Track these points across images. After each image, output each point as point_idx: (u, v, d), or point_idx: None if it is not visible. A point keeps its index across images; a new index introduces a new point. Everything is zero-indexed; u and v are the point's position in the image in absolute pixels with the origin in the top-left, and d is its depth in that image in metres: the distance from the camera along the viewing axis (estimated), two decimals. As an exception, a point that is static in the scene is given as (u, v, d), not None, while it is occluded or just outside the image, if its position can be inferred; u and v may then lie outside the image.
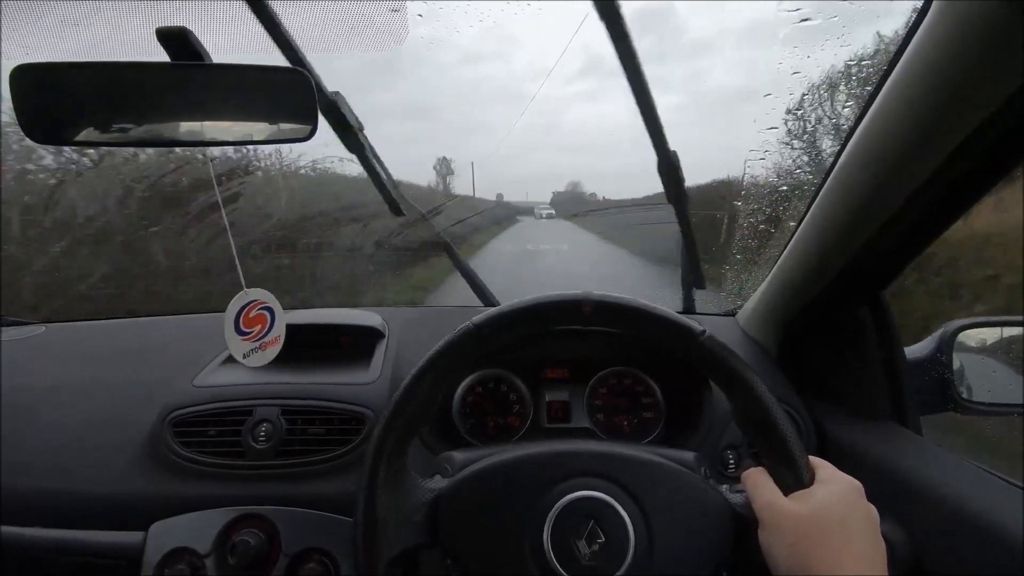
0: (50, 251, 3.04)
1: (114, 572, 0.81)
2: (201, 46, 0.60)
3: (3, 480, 0.85)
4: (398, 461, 0.57)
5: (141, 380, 0.96)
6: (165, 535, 0.79)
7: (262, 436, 0.83)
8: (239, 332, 0.81)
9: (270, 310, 0.83)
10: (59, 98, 0.58)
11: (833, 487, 0.51)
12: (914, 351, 0.96)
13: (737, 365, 0.56)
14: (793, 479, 0.52)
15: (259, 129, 0.62)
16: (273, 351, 0.83)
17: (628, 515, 0.53)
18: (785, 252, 0.89)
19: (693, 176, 0.88)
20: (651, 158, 0.90)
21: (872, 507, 0.51)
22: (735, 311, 1.15)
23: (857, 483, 0.52)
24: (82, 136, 0.59)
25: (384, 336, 1.05)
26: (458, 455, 0.61)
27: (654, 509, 0.54)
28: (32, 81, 0.57)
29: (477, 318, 0.59)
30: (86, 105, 0.58)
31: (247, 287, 0.83)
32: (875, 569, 0.47)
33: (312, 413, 0.87)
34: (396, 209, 1.12)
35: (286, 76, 0.62)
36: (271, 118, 0.62)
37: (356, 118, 0.93)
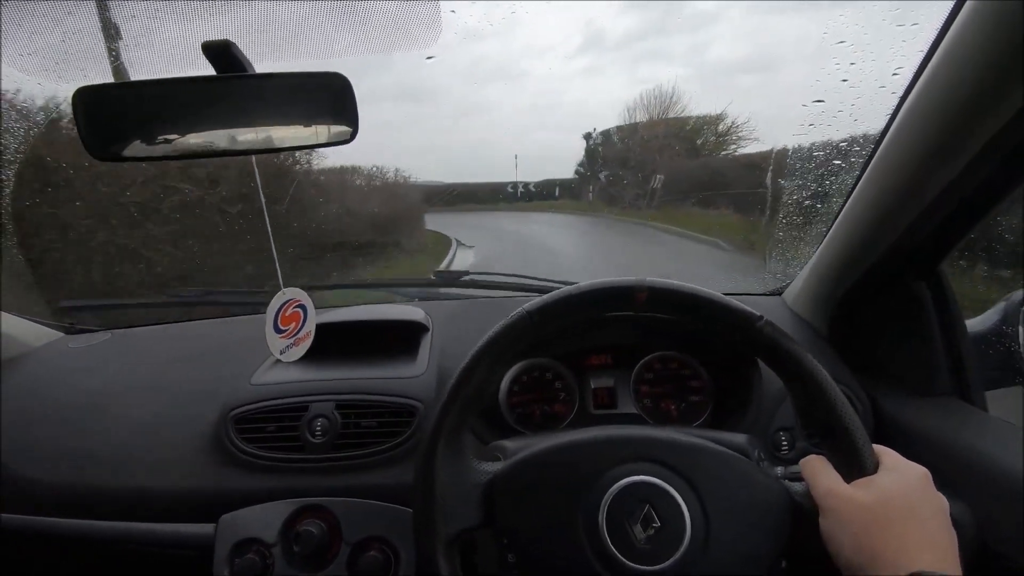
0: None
1: (185, 563, 0.86)
2: (244, 57, 0.62)
3: (81, 477, 0.91)
4: (455, 443, 0.58)
5: (201, 380, 1.01)
6: (234, 526, 0.83)
7: (318, 430, 0.87)
8: (277, 330, 0.84)
9: (303, 307, 0.86)
10: (117, 116, 0.61)
11: (898, 475, 0.50)
12: (975, 324, 0.92)
13: (798, 352, 0.55)
14: (857, 467, 0.51)
15: (304, 134, 0.64)
16: (305, 346, 0.86)
17: (684, 500, 0.52)
18: (834, 227, 0.86)
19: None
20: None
21: (941, 496, 0.50)
22: (781, 290, 1.12)
23: (924, 470, 0.51)
24: (140, 151, 0.62)
25: (428, 329, 1.07)
26: (509, 443, 0.62)
27: (709, 495, 0.53)
28: (91, 102, 0.60)
29: (530, 304, 0.59)
30: (142, 121, 0.61)
31: (283, 287, 0.86)
32: (946, 558, 0.46)
33: (365, 407, 0.89)
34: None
35: (325, 80, 0.64)
36: (313, 122, 0.64)
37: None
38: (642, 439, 0.57)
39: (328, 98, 0.62)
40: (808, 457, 0.56)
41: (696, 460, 0.55)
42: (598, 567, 0.50)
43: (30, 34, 0.60)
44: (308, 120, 0.64)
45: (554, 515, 0.54)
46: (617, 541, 0.51)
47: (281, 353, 0.84)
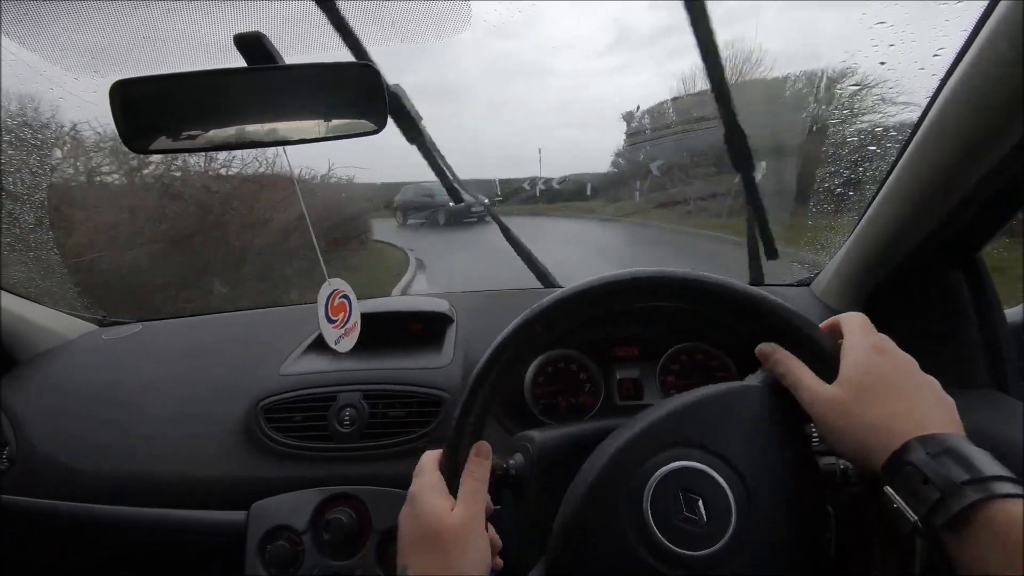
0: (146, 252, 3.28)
1: (218, 549, 0.88)
2: (274, 49, 0.62)
3: (115, 465, 0.93)
4: (478, 435, 0.58)
5: (231, 371, 1.02)
6: (265, 514, 0.85)
7: (346, 420, 0.88)
8: (329, 320, 0.84)
9: (348, 298, 0.86)
10: (152, 109, 0.62)
11: (857, 356, 0.50)
12: (1014, 314, 0.89)
13: (738, 288, 0.55)
14: (824, 368, 0.52)
15: (333, 125, 0.64)
16: (355, 336, 0.86)
17: (727, 484, 0.52)
18: (867, 215, 0.84)
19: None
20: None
21: (903, 356, 0.51)
22: (809, 281, 1.10)
23: (876, 338, 0.51)
24: (174, 144, 0.63)
25: (453, 321, 1.08)
26: (536, 434, 0.61)
27: (753, 477, 0.52)
28: (127, 95, 0.61)
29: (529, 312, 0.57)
30: (177, 113, 0.62)
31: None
32: (936, 414, 0.46)
33: (392, 397, 0.90)
34: (456, 197, 1.13)
35: (355, 71, 0.64)
36: (343, 114, 0.64)
37: (415, 110, 0.95)
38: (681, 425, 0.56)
39: (359, 89, 0.62)
40: (764, 346, 0.56)
41: (738, 441, 0.54)
42: (644, 554, 0.49)
43: (66, 30, 0.61)
44: (338, 111, 0.64)
45: (594, 503, 0.53)
46: (663, 527, 0.50)
47: (336, 343, 0.85)
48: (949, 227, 0.73)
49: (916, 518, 0.41)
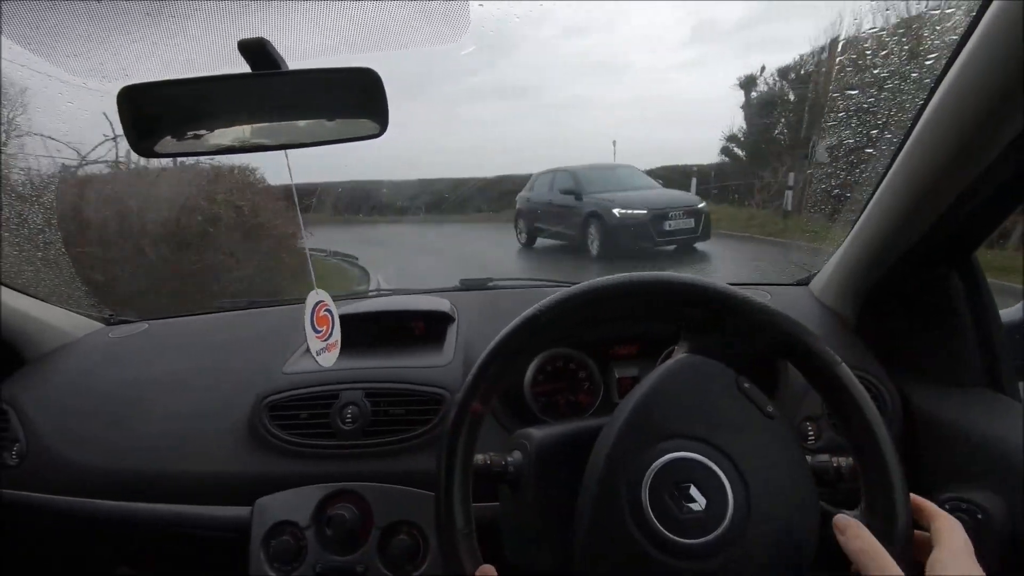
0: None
1: (222, 544, 0.89)
2: (278, 54, 0.64)
3: (122, 461, 0.95)
4: (476, 434, 0.58)
5: (236, 369, 1.04)
6: (269, 509, 0.87)
7: (349, 418, 0.89)
8: (314, 330, 0.83)
9: (331, 313, 0.85)
10: (159, 114, 0.63)
11: (944, 551, 0.47)
12: (1009, 314, 0.90)
13: (844, 376, 0.54)
14: (890, 534, 0.49)
15: (335, 129, 0.65)
16: (336, 354, 0.85)
17: (724, 473, 0.52)
18: (864, 215, 0.85)
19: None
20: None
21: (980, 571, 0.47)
22: (807, 280, 1.11)
23: (968, 544, 0.48)
24: (180, 147, 0.64)
25: (454, 320, 1.09)
26: (535, 431, 0.62)
27: (749, 468, 0.53)
28: (134, 100, 0.62)
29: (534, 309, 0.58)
30: (182, 118, 0.63)
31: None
32: None
33: (393, 395, 0.91)
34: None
35: (356, 76, 0.65)
36: (346, 117, 0.66)
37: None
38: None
39: (360, 93, 0.64)
40: (841, 519, 0.52)
41: (735, 434, 0.56)
42: (644, 543, 0.51)
43: (79, 36, 0.63)
44: (340, 115, 0.65)
45: (593, 494, 0.54)
46: (660, 516, 0.51)
47: (318, 355, 0.84)
48: (944, 227, 0.74)
49: None
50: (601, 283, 0.59)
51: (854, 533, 0.49)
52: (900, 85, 0.82)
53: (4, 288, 1.10)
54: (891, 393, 0.87)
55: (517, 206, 6.86)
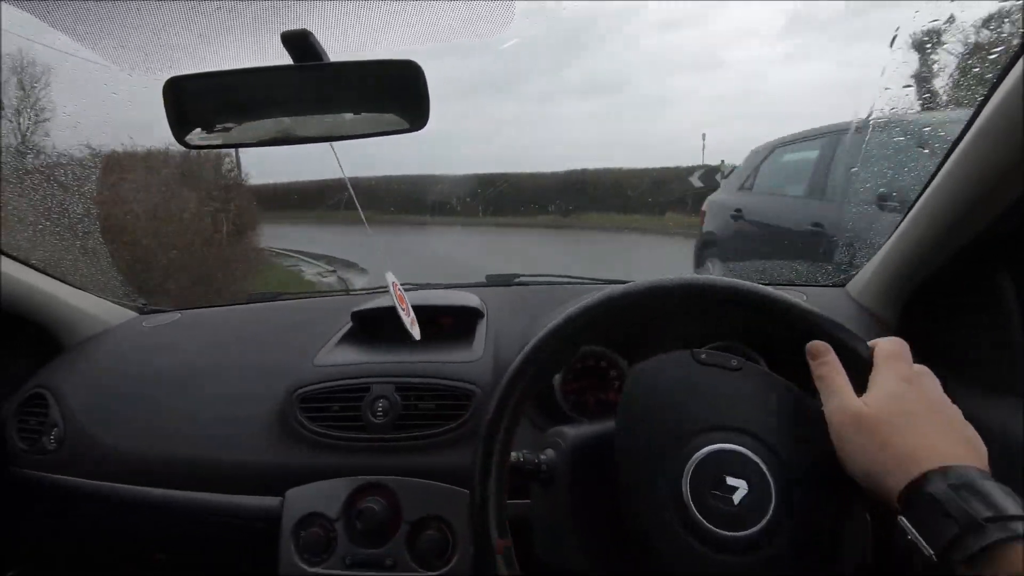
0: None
1: (252, 533, 0.90)
2: (320, 46, 0.64)
3: (156, 448, 0.96)
4: (513, 430, 0.59)
5: (267, 360, 1.05)
6: (299, 500, 0.87)
7: (379, 411, 0.89)
8: (400, 309, 0.89)
9: (403, 292, 0.91)
10: (203, 105, 0.63)
11: (889, 382, 0.50)
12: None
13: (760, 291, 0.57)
14: (855, 368, 0.53)
15: (378, 121, 0.65)
16: (417, 329, 0.91)
17: (766, 465, 0.51)
18: (912, 214, 0.82)
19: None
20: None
21: (936, 391, 0.51)
22: (845, 281, 1.08)
23: (910, 369, 0.52)
24: (224, 139, 0.65)
25: (483, 315, 1.09)
26: (569, 430, 0.62)
27: (791, 459, 0.52)
28: (179, 92, 0.63)
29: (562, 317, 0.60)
30: (226, 109, 0.64)
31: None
32: (961, 450, 0.46)
33: (423, 389, 0.91)
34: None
35: (398, 68, 0.65)
36: (387, 109, 0.65)
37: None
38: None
39: (402, 86, 0.63)
40: (816, 343, 0.56)
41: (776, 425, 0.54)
42: (684, 535, 0.50)
43: (124, 28, 0.63)
44: (382, 107, 0.65)
45: (633, 488, 0.54)
46: (702, 508, 0.50)
47: (411, 327, 0.89)
48: (1002, 227, 0.71)
49: (932, 552, 0.40)
50: (664, 282, 0.61)
51: (823, 359, 0.54)
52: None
53: (44, 276, 1.12)
54: None
55: (709, 228, 3.67)
